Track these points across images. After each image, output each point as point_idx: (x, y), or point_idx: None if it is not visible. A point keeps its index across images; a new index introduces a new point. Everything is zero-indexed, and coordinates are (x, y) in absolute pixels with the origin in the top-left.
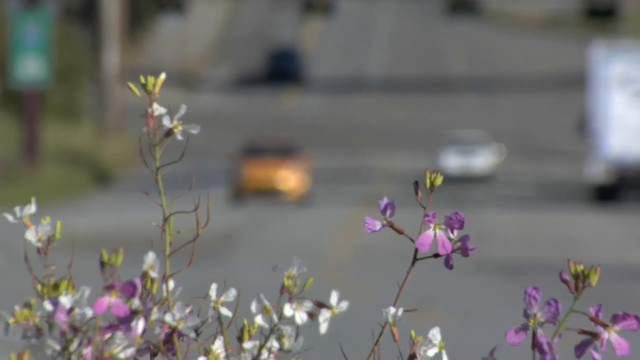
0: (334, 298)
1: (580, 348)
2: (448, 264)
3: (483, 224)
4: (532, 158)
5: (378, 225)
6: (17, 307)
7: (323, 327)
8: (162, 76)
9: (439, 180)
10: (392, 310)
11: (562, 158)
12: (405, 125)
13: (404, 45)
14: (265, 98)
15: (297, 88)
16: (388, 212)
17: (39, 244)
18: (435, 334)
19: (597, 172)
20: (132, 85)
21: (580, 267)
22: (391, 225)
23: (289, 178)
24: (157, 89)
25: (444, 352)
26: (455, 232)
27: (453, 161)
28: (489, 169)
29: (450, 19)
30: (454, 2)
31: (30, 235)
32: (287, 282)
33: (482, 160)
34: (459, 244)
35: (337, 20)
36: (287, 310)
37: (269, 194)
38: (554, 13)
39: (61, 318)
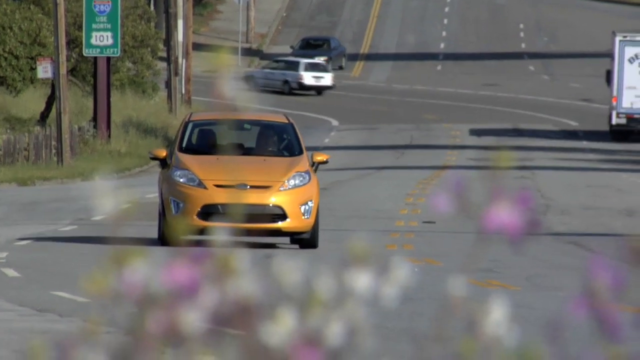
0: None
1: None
2: (516, 240)
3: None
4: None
5: (447, 205)
6: (92, 275)
7: (393, 294)
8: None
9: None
10: (459, 278)
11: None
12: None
13: (469, 17)
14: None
15: (363, 61)
16: (458, 193)
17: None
18: (496, 301)
19: (615, 118)
20: (223, 53)
21: None
22: (462, 209)
23: None
24: (230, 60)
25: (504, 318)
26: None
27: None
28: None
29: None
30: None
31: (107, 204)
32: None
33: None
34: (528, 221)
35: None
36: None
37: None
38: None
39: (135, 286)
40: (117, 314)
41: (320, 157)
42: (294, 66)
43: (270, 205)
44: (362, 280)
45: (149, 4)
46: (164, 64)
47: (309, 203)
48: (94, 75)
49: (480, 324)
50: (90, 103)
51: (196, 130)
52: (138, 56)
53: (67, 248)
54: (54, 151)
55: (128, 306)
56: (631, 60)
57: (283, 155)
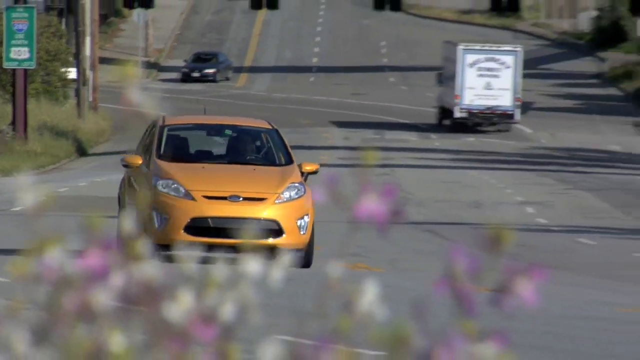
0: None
1: (495, 299)
2: (382, 228)
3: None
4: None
5: (323, 197)
6: (14, 261)
7: (279, 275)
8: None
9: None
10: (332, 264)
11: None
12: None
13: (338, 36)
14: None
15: (246, 73)
16: (332, 185)
17: (34, 206)
18: (369, 283)
19: (458, 112)
20: (128, 65)
21: (498, 229)
22: (336, 200)
23: None
24: (134, 72)
25: (376, 298)
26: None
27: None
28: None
29: (375, 13)
30: None
31: (28, 197)
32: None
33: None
34: (393, 212)
35: (280, 11)
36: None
37: None
38: (467, 8)
39: (53, 269)
40: (36, 293)
41: (309, 166)
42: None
43: (266, 219)
44: (252, 266)
45: (60, 23)
46: (74, 76)
47: (305, 218)
48: (13, 85)
49: (355, 303)
50: (9, 109)
51: (173, 136)
52: (51, 68)
53: None
54: None
55: (46, 287)
56: (471, 66)
57: (273, 164)
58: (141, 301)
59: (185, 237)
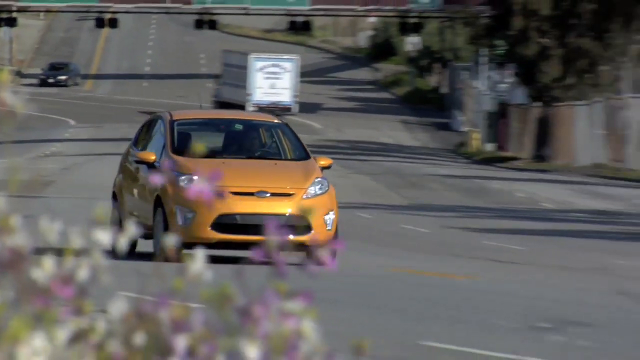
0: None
1: (302, 264)
2: (209, 203)
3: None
4: None
5: (159, 180)
6: None
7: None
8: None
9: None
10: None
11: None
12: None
13: (165, 50)
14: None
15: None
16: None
17: None
18: (199, 251)
19: (250, 107)
20: (3, 72)
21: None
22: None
23: None
24: (6, 78)
25: (204, 263)
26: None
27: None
28: None
29: (195, 32)
30: (198, 20)
31: None
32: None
33: None
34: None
35: (119, 30)
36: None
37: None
38: (269, 28)
39: None
40: None
41: (324, 161)
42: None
43: (295, 215)
44: (101, 235)
45: None
46: None
47: (330, 214)
48: None
49: (187, 267)
50: None
51: (184, 131)
52: None
53: None
54: None
55: None
56: (259, 70)
57: (292, 159)
58: (11, 265)
59: (212, 234)
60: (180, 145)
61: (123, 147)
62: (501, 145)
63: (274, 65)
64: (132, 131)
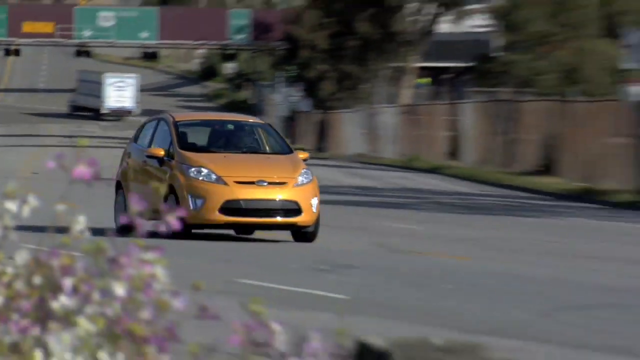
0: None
1: (155, 226)
2: (88, 183)
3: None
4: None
5: (54, 167)
6: None
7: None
8: None
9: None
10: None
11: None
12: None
13: (55, 71)
14: None
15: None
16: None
17: None
18: (80, 215)
19: (104, 111)
20: None
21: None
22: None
23: None
24: None
25: (84, 224)
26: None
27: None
28: None
29: (76, 58)
30: (77, 50)
31: None
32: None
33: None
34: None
35: (22, 57)
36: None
37: None
38: (129, 56)
39: None
40: None
41: (302, 155)
42: None
43: (288, 200)
44: (10, 205)
45: None
46: None
47: (315, 199)
48: None
49: (72, 228)
50: None
51: (187, 130)
52: None
53: None
54: None
55: None
56: (111, 84)
57: (280, 153)
58: None
59: (220, 217)
60: (185, 142)
61: (27, 140)
62: (292, 141)
63: (120, 82)
64: (31, 129)
